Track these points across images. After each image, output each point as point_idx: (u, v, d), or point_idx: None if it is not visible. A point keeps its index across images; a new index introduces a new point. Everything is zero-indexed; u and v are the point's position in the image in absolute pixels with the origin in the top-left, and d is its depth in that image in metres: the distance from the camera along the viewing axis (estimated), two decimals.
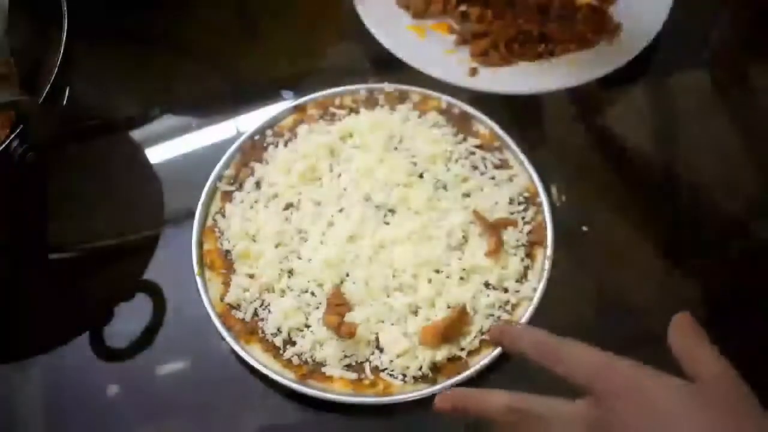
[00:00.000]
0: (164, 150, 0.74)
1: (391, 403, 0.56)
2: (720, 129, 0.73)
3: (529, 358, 0.44)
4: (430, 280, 0.60)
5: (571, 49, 0.74)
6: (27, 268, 0.67)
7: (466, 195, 0.64)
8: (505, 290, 0.60)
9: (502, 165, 0.67)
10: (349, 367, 0.57)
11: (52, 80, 0.57)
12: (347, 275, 0.60)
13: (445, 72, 0.72)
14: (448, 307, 0.59)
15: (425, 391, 0.56)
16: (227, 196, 0.66)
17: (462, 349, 0.57)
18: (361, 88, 0.71)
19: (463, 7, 0.78)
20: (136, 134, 0.75)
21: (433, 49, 0.75)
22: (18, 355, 0.62)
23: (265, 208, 0.65)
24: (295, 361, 0.58)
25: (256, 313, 0.60)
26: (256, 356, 0.58)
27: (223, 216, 0.65)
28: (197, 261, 0.62)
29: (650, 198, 0.69)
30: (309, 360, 0.58)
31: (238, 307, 0.60)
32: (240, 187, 0.66)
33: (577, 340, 0.43)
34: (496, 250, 0.61)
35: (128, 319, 0.63)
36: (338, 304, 0.58)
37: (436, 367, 0.57)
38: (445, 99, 0.70)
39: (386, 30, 0.75)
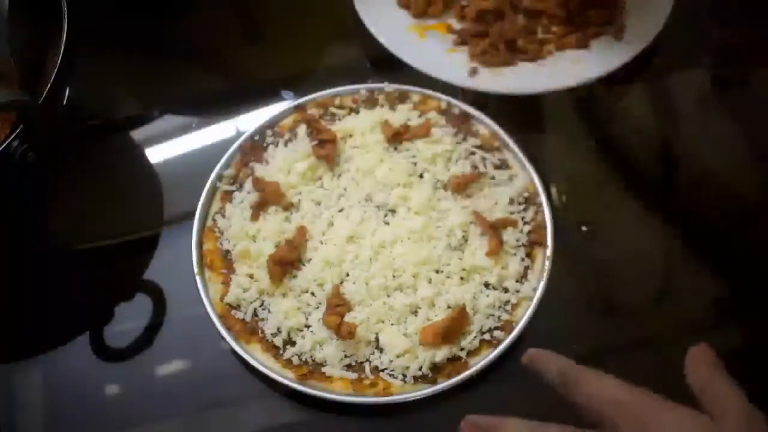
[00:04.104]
0: (164, 150, 0.74)
1: (391, 403, 0.56)
2: (720, 129, 0.73)
3: (552, 384, 0.44)
4: (430, 280, 0.60)
5: (571, 45, 0.74)
6: (27, 268, 0.67)
7: (466, 195, 0.64)
8: (505, 290, 0.60)
9: (502, 165, 0.67)
10: (349, 367, 0.57)
11: (52, 80, 0.57)
12: (347, 275, 0.60)
13: (445, 72, 0.72)
14: (448, 307, 0.59)
15: (425, 391, 0.56)
16: (227, 196, 0.66)
17: (462, 349, 0.57)
18: (361, 88, 0.71)
19: (464, 2, 0.78)
20: (136, 134, 0.75)
21: (433, 49, 0.75)
22: (18, 355, 0.62)
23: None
24: (295, 361, 0.58)
25: (256, 313, 0.60)
26: (256, 356, 0.58)
27: (223, 216, 0.65)
28: (197, 261, 0.62)
29: (650, 198, 0.69)
30: (309, 360, 0.58)
31: (238, 307, 0.60)
32: (240, 187, 0.66)
33: (601, 372, 0.43)
34: (496, 250, 0.60)
35: (128, 319, 0.63)
36: (338, 304, 0.58)
37: (436, 367, 0.57)
38: (445, 99, 0.70)
39: (386, 30, 0.75)
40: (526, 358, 0.46)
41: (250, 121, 0.71)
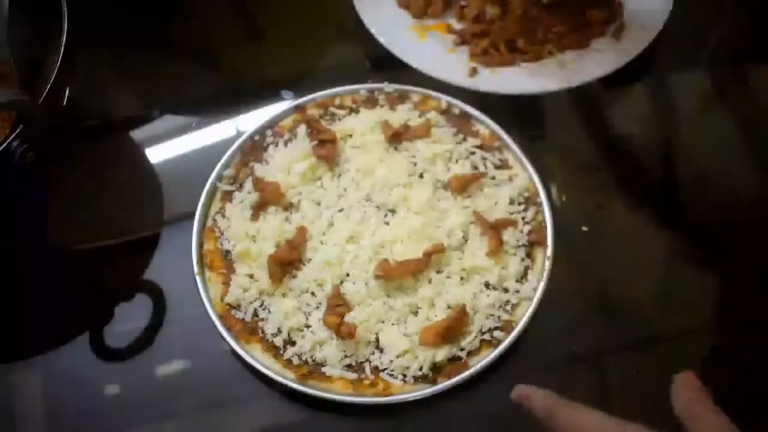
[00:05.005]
0: (164, 150, 0.74)
1: (391, 403, 0.56)
2: (720, 129, 0.73)
3: (538, 419, 0.44)
4: (430, 280, 0.60)
5: (571, 45, 0.74)
6: (27, 268, 0.67)
7: (466, 195, 0.64)
8: (505, 290, 0.60)
9: (502, 165, 0.67)
10: (349, 367, 0.57)
11: (52, 80, 0.57)
12: (347, 275, 0.60)
13: (445, 72, 0.72)
14: (448, 307, 0.59)
15: (425, 391, 0.56)
16: (227, 196, 0.66)
17: (462, 349, 0.57)
18: (361, 88, 0.71)
19: (463, 2, 0.78)
20: (136, 134, 0.75)
21: (433, 49, 0.76)
22: (18, 355, 0.62)
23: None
24: (295, 361, 0.58)
25: (256, 314, 0.60)
26: (256, 356, 0.58)
27: (223, 216, 0.65)
28: (197, 261, 0.62)
29: (650, 198, 0.69)
30: (309, 360, 0.58)
31: (238, 307, 0.60)
32: (240, 187, 0.66)
33: (586, 406, 0.43)
34: (496, 250, 0.60)
35: (128, 319, 0.63)
36: (338, 305, 0.58)
37: (436, 367, 0.57)
38: (445, 99, 0.70)
39: (386, 30, 0.75)
40: (514, 393, 0.46)
41: (250, 121, 0.71)
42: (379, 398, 0.56)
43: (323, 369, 0.57)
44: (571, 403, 0.43)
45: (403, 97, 0.71)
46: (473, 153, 0.67)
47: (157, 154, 0.73)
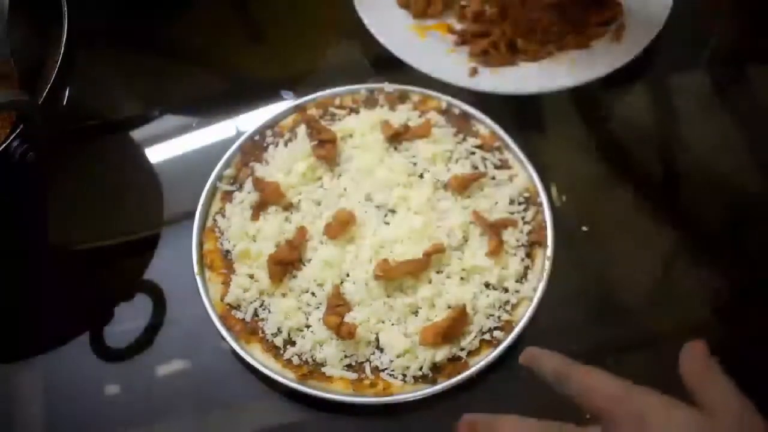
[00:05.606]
0: (164, 150, 0.74)
1: (391, 403, 0.56)
2: (720, 129, 0.73)
3: (548, 382, 0.44)
4: (430, 280, 0.60)
5: (571, 45, 0.74)
6: (27, 268, 0.67)
7: (466, 195, 0.64)
8: (505, 290, 0.60)
9: (502, 165, 0.67)
10: (349, 367, 0.57)
11: (52, 80, 0.57)
12: (347, 275, 0.60)
13: (445, 72, 0.72)
14: (448, 307, 0.59)
15: (425, 391, 0.56)
16: (227, 196, 0.66)
17: (462, 349, 0.57)
18: (361, 88, 0.71)
19: (463, 2, 0.78)
20: (136, 134, 0.75)
21: (433, 49, 0.76)
22: (18, 355, 0.62)
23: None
24: (295, 361, 0.58)
25: (256, 314, 0.60)
26: (257, 356, 0.58)
27: (223, 216, 0.65)
28: (197, 261, 0.62)
29: (650, 198, 0.69)
30: (309, 360, 0.58)
31: (238, 307, 0.60)
32: (240, 187, 0.66)
33: (596, 368, 0.43)
34: (496, 250, 0.61)
35: (128, 319, 0.63)
36: (338, 305, 0.58)
37: (436, 367, 0.57)
38: (445, 99, 0.70)
39: (386, 30, 0.75)
40: (522, 357, 0.46)
41: (250, 121, 0.71)
42: (379, 398, 0.56)
43: (323, 369, 0.57)
44: (583, 366, 0.43)
45: (403, 97, 0.71)
46: (473, 153, 0.67)
47: (157, 154, 0.73)
